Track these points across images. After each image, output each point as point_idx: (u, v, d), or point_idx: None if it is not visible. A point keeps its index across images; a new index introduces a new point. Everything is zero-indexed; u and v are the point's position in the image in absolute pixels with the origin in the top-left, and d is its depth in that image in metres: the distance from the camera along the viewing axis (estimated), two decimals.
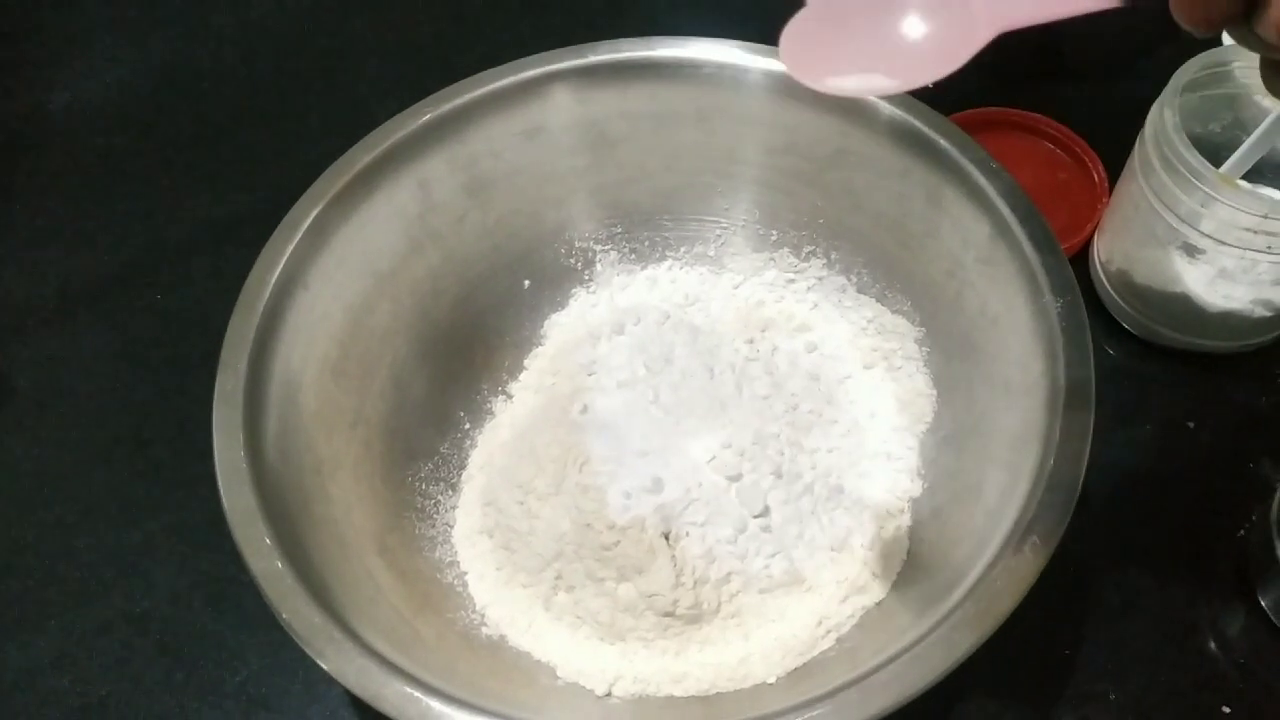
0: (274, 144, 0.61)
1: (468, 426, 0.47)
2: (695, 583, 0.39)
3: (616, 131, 0.47)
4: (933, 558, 0.39)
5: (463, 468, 0.46)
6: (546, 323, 0.49)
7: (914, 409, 0.44)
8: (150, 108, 0.64)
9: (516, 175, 0.47)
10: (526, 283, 0.49)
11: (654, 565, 0.39)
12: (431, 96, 0.44)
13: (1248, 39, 0.27)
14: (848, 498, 0.42)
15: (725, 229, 0.49)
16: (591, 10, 0.66)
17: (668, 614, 0.39)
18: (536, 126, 0.46)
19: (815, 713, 0.30)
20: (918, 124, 0.42)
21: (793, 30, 0.33)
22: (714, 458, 0.41)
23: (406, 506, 0.43)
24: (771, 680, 0.38)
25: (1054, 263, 0.38)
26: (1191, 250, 0.44)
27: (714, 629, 0.39)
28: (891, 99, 0.42)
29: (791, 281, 0.49)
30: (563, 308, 0.50)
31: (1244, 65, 0.44)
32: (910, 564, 0.40)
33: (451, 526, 0.44)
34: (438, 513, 0.44)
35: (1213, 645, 0.42)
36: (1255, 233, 0.41)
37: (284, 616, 0.32)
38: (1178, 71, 0.43)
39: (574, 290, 0.50)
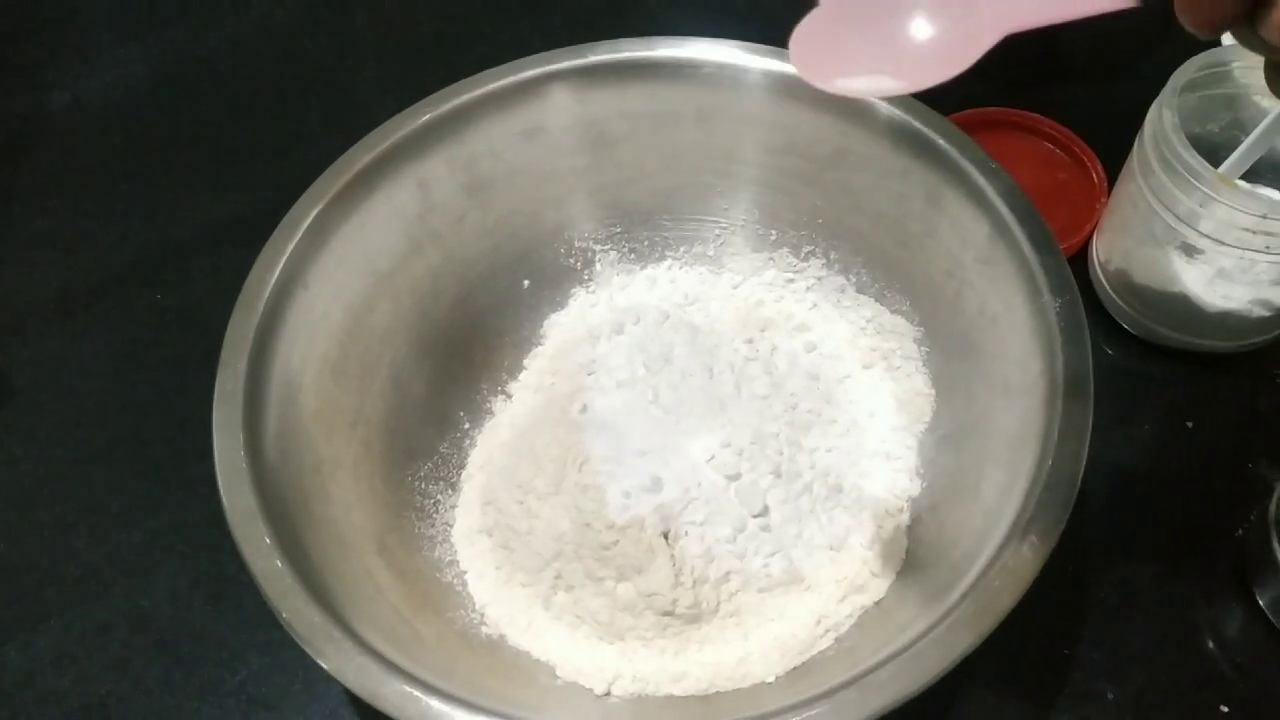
0: (274, 144, 0.61)
1: (467, 426, 0.47)
2: (694, 582, 0.39)
3: (616, 131, 0.47)
4: (931, 557, 0.40)
5: (462, 467, 0.46)
6: (546, 322, 0.49)
7: (913, 408, 0.44)
8: (150, 108, 0.64)
9: (516, 175, 0.47)
10: (526, 282, 0.49)
11: (653, 564, 0.39)
12: (431, 96, 0.44)
13: (1250, 41, 0.27)
14: (847, 497, 0.42)
15: (725, 229, 0.49)
16: (591, 10, 0.67)
17: (667, 613, 0.39)
18: (536, 126, 0.46)
19: (814, 712, 0.30)
20: (917, 124, 0.42)
21: (803, 31, 0.33)
22: (713, 457, 0.42)
23: (406, 506, 0.43)
24: (770, 679, 0.38)
25: (1053, 263, 0.38)
26: (1190, 250, 0.44)
27: (713, 628, 0.39)
28: (891, 99, 0.42)
29: (791, 281, 0.49)
30: (562, 307, 0.50)
31: (1243, 66, 0.44)
32: (909, 563, 0.40)
33: (451, 526, 0.44)
34: (437, 512, 0.44)
35: (1211, 644, 0.42)
36: (1254, 233, 0.41)
37: (284, 616, 0.33)
38: (1176, 72, 0.43)
39: (573, 290, 0.50)
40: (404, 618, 0.37)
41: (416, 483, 0.44)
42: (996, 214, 0.40)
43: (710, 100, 0.46)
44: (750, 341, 0.47)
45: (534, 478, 0.42)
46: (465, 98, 0.45)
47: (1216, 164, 0.42)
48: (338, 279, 0.42)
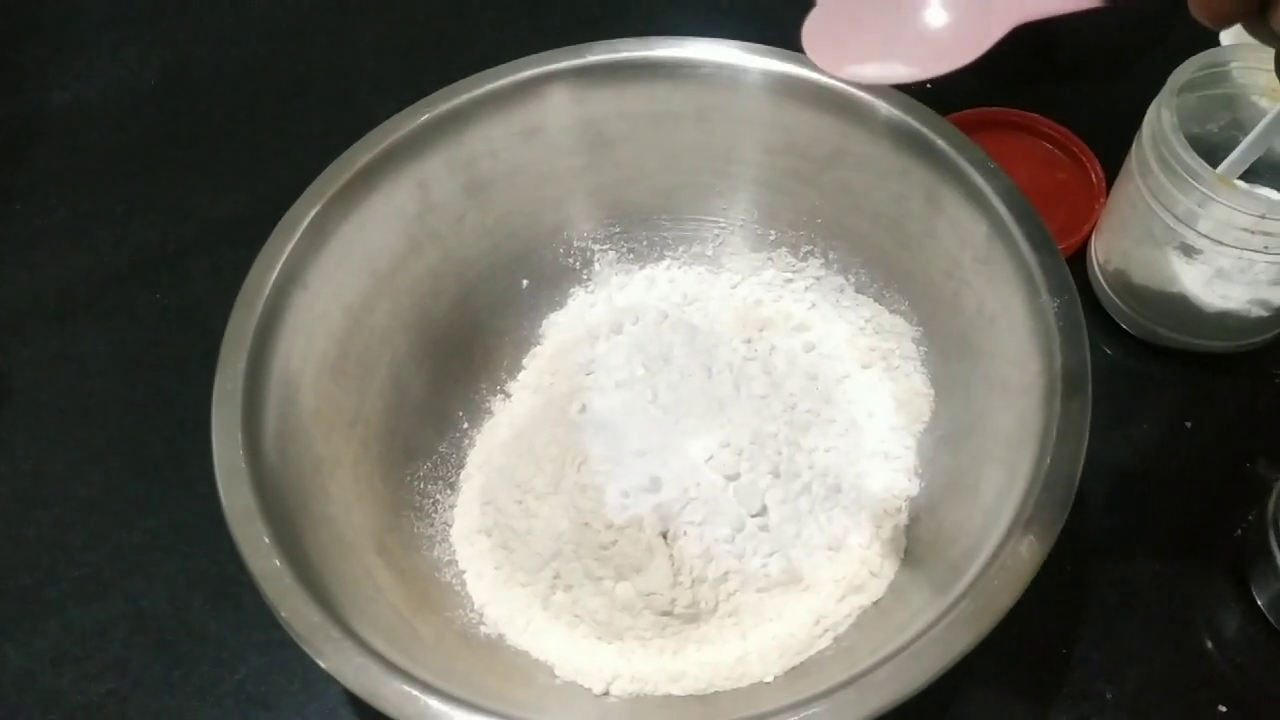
0: (274, 144, 0.61)
1: (466, 426, 0.47)
2: (693, 582, 0.39)
3: (615, 131, 0.47)
4: (930, 556, 0.40)
5: (461, 467, 0.46)
6: (545, 322, 0.49)
7: (911, 408, 0.44)
8: (150, 108, 0.64)
9: (515, 175, 0.47)
10: (525, 282, 0.49)
11: (652, 564, 0.39)
12: (430, 96, 0.44)
13: (1261, 33, 0.27)
14: (845, 497, 0.42)
15: (723, 229, 0.50)
16: (590, 10, 0.67)
17: (665, 613, 0.39)
18: (535, 126, 0.46)
19: (812, 711, 0.30)
20: (916, 124, 0.42)
21: (816, 18, 0.33)
22: (712, 457, 0.42)
23: (405, 505, 0.43)
24: (769, 679, 0.38)
25: (1051, 263, 0.38)
26: (1189, 250, 0.44)
27: (711, 628, 0.40)
28: (890, 99, 0.42)
29: (789, 281, 0.49)
30: (561, 307, 0.50)
31: (1241, 66, 0.44)
32: (908, 563, 0.40)
33: (450, 525, 0.44)
34: (436, 512, 0.44)
35: (1209, 644, 0.42)
36: (1252, 233, 0.41)
37: (282, 615, 0.33)
38: (1175, 72, 0.43)
39: (572, 290, 0.50)
40: (403, 617, 0.37)
41: (415, 482, 0.44)
42: (995, 214, 0.40)
43: (709, 100, 0.46)
44: (749, 341, 0.47)
45: (533, 477, 0.42)
46: (464, 98, 0.45)
47: (1215, 164, 0.42)
48: (337, 279, 0.42)
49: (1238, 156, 0.43)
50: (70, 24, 0.68)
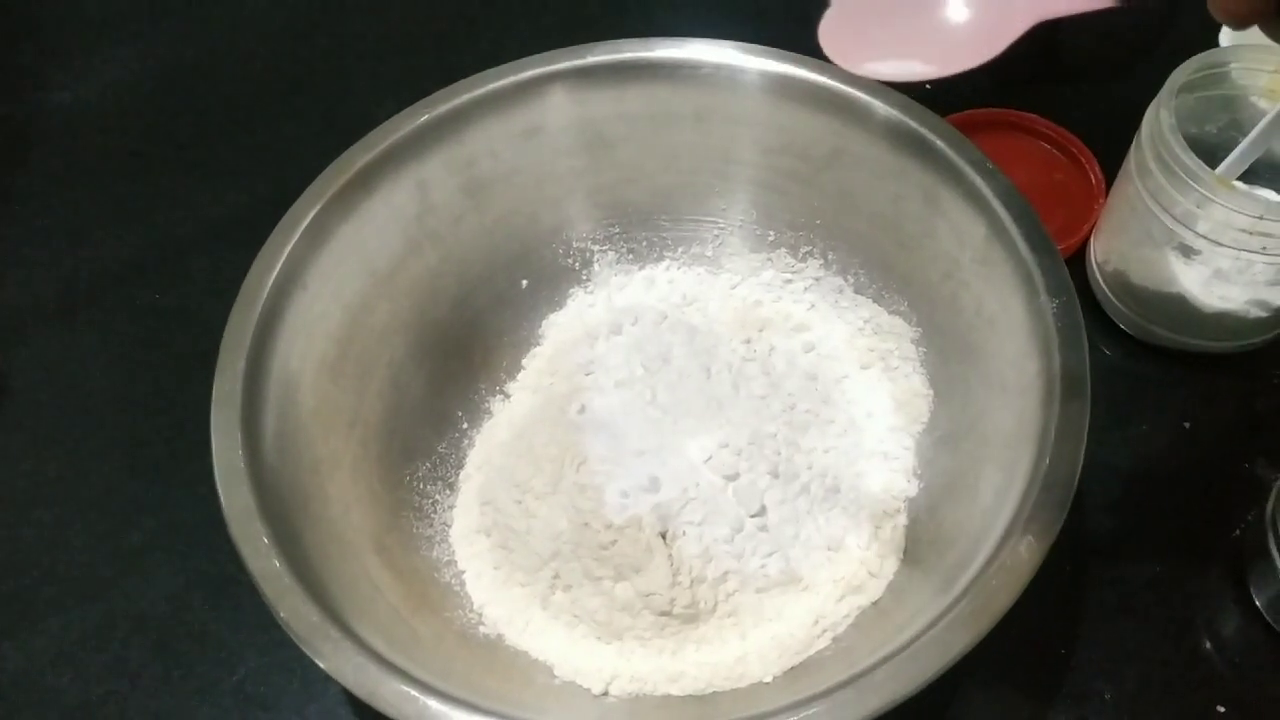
0: (273, 144, 0.61)
1: (465, 426, 0.47)
2: (692, 582, 0.39)
3: (614, 132, 0.47)
4: (929, 557, 0.40)
5: (460, 467, 0.46)
6: (544, 323, 0.49)
7: (910, 409, 0.44)
8: (150, 107, 0.64)
9: (514, 176, 0.47)
10: (524, 283, 0.49)
11: (651, 564, 0.39)
12: (430, 97, 0.45)
13: (1278, 33, 0.27)
14: (844, 497, 0.42)
15: (722, 229, 0.50)
16: (590, 11, 0.67)
17: (664, 613, 0.39)
18: (534, 127, 0.46)
19: (811, 711, 0.30)
20: (914, 125, 0.42)
21: (833, 14, 0.33)
22: (711, 457, 0.42)
23: (404, 506, 0.43)
24: (768, 679, 0.38)
25: (1050, 263, 0.38)
26: (1187, 251, 0.44)
27: (710, 628, 0.40)
28: (887, 99, 0.42)
29: (789, 282, 0.49)
30: (560, 308, 0.50)
31: (1240, 67, 0.44)
32: (906, 563, 0.41)
33: (449, 526, 0.44)
34: (435, 512, 0.44)
35: (1208, 645, 0.42)
36: (1250, 234, 0.41)
37: (282, 615, 0.33)
38: (1174, 73, 0.43)
39: (572, 290, 0.50)
40: (402, 617, 0.38)
41: (415, 483, 0.44)
42: (994, 215, 0.40)
43: (708, 101, 0.46)
44: (748, 342, 0.47)
45: (532, 478, 0.42)
46: (464, 98, 0.45)
47: (1214, 165, 0.42)
48: (336, 279, 0.42)
49: (1236, 157, 0.43)
50: (70, 24, 0.68)
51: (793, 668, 0.38)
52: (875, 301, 0.47)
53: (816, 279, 0.49)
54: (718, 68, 0.45)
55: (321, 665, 0.32)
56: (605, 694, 0.38)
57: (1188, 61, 0.44)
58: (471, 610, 0.41)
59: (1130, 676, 0.41)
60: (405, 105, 0.44)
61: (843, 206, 0.46)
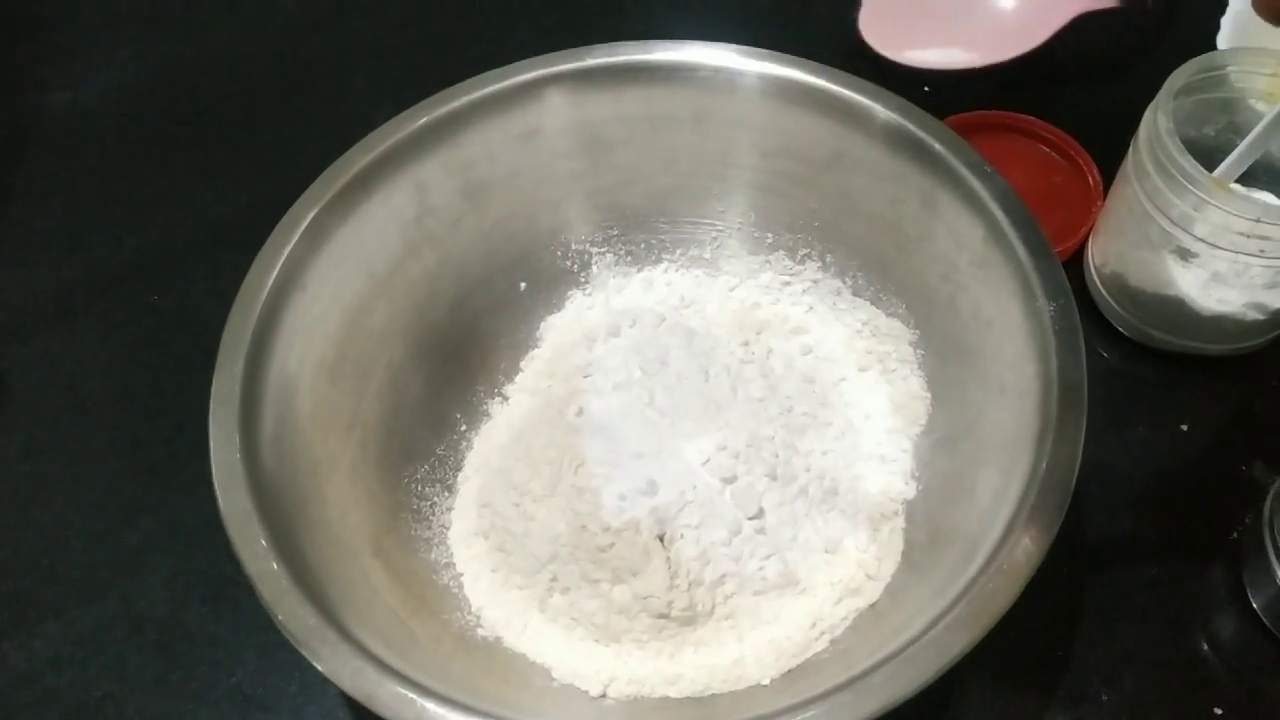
0: (272, 145, 0.61)
1: (464, 428, 0.47)
2: (690, 585, 0.39)
3: (612, 135, 0.47)
4: (926, 559, 0.40)
5: (459, 469, 0.46)
6: (542, 325, 0.49)
7: (908, 411, 0.44)
8: (150, 108, 0.64)
9: (513, 178, 0.47)
10: (522, 285, 0.49)
11: (649, 567, 0.39)
12: (428, 99, 0.45)
13: None
14: (842, 500, 0.42)
15: (721, 232, 0.50)
16: (588, 13, 0.67)
17: (662, 616, 0.39)
18: (533, 130, 0.46)
19: (809, 714, 0.30)
20: (912, 128, 0.42)
21: (872, 2, 0.33)
22: (709, 460, 0.42)
23: (402, 508, 0.43)
24: (765, 682, 0.38)
25: (1048, 266, 0.38)
26: (1185, 254, 0.44)
27: (708, 631, 0.40)
28: (886, 102, 0.43)
29: (787, 284, 0.49)
30: (558, 310, 0.50)
31: (1238, 69, 0.44)
32: (904, 565, 0.41)
33: (447, 528, 0.44)
34: (434, 514, 0.44)
35: (1205, 647, 0.42)
36: (1248, 237, 0.41)
37: (279, 617, 0.33)
38: (1172, 75, 0.43)
39: (570, 293, 0.50)
40: (400, 620, 0.38)
41: (413, 485, 0.44)
42: (991, 217, 0.40)
43: (706, 103, 0.46)
44: (746, 344, 0.47)
45: (530, 480, 0.42)
46: (462, 101, 0.45)
47: (1211, 168, 0.43)
48: (335, 281, 0.42)
49: (1234, 160, 0.43)
50: (70, 24, 0.68)
51: (790, 670, 0.38)
52: (873, 304, 0.47)
53: (815, 281, 0.49)
54: (716, 70, 0.45)
55: (319, 667, 0.32)
56: (603, 696, 0.38)
57: (1186, 64, 0.44)
58: (469, 613, 0.41)
59: (1128, 678, 0.41)
60: (404, 106, 0.44)
61: (841, 209, 0.46)
